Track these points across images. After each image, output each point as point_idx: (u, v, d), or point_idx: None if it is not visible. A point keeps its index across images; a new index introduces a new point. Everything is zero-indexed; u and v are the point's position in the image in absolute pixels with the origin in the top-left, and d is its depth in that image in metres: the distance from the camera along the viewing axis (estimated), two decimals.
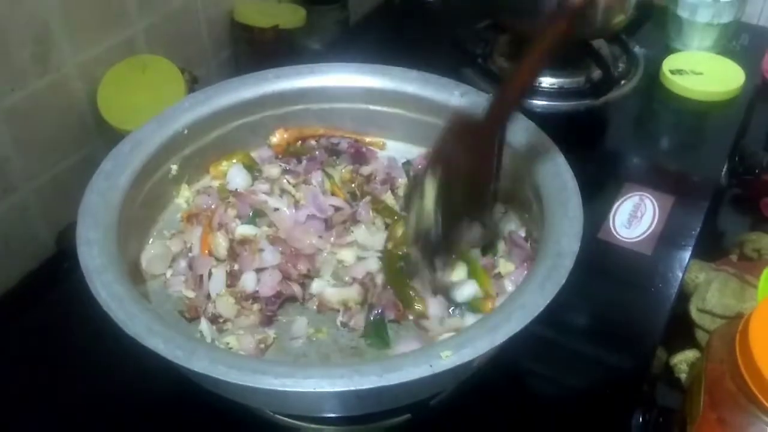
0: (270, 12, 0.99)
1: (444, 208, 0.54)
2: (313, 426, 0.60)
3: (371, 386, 0.45)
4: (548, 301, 0.49)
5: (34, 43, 0.72)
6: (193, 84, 0.83)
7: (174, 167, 0.66)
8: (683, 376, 0.71)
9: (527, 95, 0.60)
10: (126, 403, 0.62)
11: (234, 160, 0.71)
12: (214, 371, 0.45)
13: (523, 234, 0.64)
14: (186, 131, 0.66)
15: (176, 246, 0.64)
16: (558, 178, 0.59)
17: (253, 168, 0.71)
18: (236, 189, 0.68)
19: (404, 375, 0.45)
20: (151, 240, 0.65)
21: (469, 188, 0.55)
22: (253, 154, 0.73)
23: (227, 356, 0.48)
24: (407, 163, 0.73)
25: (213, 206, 0.67)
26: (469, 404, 0.61)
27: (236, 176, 0.69)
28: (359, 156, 0.74)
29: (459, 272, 0.61)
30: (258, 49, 0.98)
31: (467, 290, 0.60)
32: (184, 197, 0.68)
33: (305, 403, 0.51)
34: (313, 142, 0.74)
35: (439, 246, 0.56)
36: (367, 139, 0.75)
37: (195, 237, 0.64)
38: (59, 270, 0.75)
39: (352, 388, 0.45)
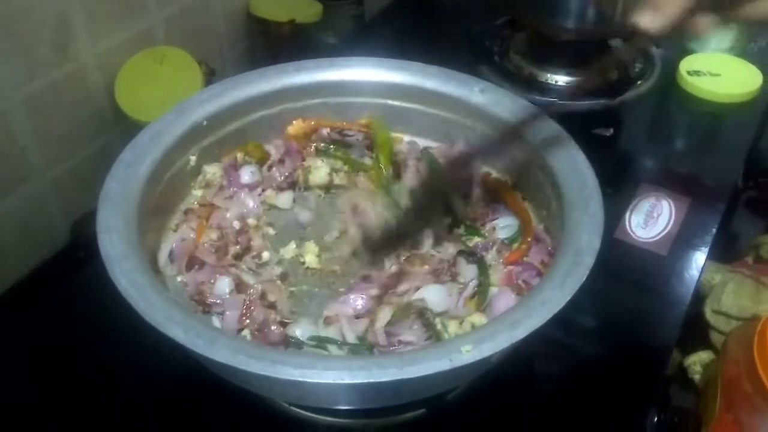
0: (286, 6, 0.99)
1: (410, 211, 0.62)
2: (328, 418, 0.60)
3: (390, 379, 0.45)
4: (569, 298, 0.49)
5: (54, 33, 0.72)
6: (210, 76, 0.84)
7: (193, 158, 0.66)
8: (697, 377, 0.71)
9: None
10: (141, 391, 0.63)
11: (246, 152, 0.70)
12: (234, 361, 0.45)
13: (542, 228, 0.64)
14: (205, 122, 0.66)
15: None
16: (578, 175, 0.59)
17: (265, 160, 0.71)
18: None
19: (424, 368, 0.45)
20: (170, 231, 0.64)
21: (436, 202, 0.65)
22: (269, 146, 0.73)
23: (248, 346, 0.48)
24: (426, 150, 0.73)
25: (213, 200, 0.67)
26: (483, 401, 0.61)
27: (245, 174, 0.69)
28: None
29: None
30: (274, 42, 0.98)
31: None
32: (201, 188, 0.68)
33: (323, 394, 0.51)
34: (324, 132, 0.73)
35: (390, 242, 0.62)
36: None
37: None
38: (74, 259, 0.75)
39: (372, 381, 0.45)
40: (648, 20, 0.48)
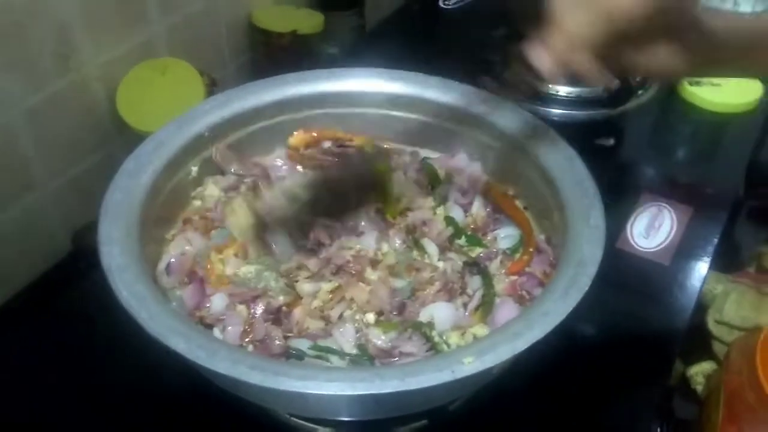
0: (288, 17, 0.99)
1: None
2: (329, 429, 0.60)
3: (392, 390, 0.45)
4: (571, 309, 0.49)
5: (56, 44, 0.72)
6: (212, 87, 0.84)
7: (194, 169, 0.66)
8: (699, 388, 0.71)
9: None
10: (141, 402, 0.63)
11: None
12: (236, 372, 0.45)
13: (543, 238, 0.64)
14: (207, 133, 0.66)
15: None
16: (579, 185, 0.59)
17: None
18: None
19: (425, 380, 0.45)
20: (169, 241, 0.64)
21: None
22: (271, 157, 0.73)
23: (249, 357, 0.48)
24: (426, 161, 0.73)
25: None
26: (484, 412, 0.61)
27: None
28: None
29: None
30: (275, 53, 0.98)
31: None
32: (200, 199, 0.68)
33: (325, 405, 0.51)
34: (325, 145, 0.74)
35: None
36: (385, 145, 0.75)
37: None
38: (75, 269, 0.75)
39: (374, 392, 0.45)
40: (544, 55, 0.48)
